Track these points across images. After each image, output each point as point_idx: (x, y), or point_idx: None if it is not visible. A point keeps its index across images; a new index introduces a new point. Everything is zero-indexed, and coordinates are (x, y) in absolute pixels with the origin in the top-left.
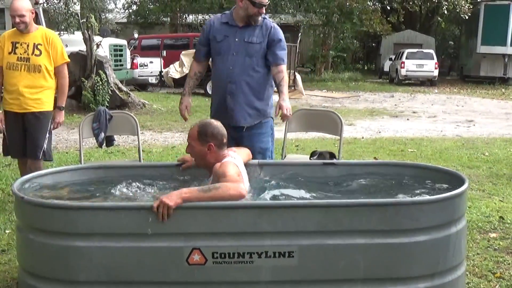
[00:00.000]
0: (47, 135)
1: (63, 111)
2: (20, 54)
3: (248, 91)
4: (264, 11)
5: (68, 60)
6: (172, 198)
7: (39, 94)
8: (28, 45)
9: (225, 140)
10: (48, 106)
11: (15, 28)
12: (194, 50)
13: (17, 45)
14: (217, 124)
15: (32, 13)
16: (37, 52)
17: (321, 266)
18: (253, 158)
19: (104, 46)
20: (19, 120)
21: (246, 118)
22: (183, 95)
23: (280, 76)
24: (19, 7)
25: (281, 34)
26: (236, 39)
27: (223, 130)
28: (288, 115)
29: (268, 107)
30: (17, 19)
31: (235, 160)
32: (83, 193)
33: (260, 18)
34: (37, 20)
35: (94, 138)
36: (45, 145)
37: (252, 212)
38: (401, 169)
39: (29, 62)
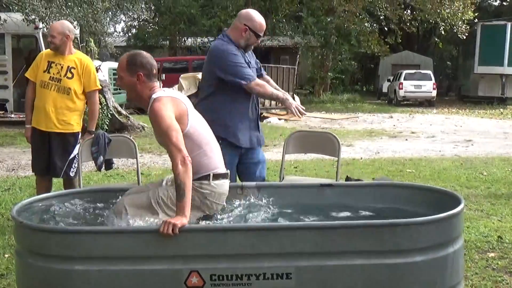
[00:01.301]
0: (71, 155)
1: (92, 135)
2: (53, 74)
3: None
4: (259, 41)
5: (100, 87)
6: (180, 219)
7: (65, 115)
8: (62, 67)
9: (154, 71)
10: (74, 128)
11: None
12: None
13: (52, 64)
14: (147, 54)
15: (67, 37)
16: (69, 75)
17: (319, 287)
18: (257, 166)
19: (103, 70)
20: (45, 138)
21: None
22: (285, 96)
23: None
24: (52, 27)
25: None
26: (250, 64)
27: (153, 61)
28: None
29: None
30: (49, 38)
31: (167, 92)
32: (82, 217)
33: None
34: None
35: (93, 161)
36: (66, 165)
37: (250, 234)
38: (398, 189)
39: (60, 83)
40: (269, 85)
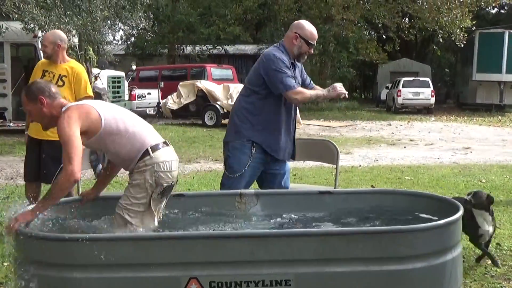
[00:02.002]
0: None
1: None
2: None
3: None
4: (312, 51)
5: (92, 94)
6: (24, 215)
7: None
8: (54, 75)
9: (53, 90)
10: None
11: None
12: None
13: (45, 73)
14: (39, 80)
15: (58, 46)
16: (60, 83)
17: None
18: (281, 180)
19: (102, 78)
20: (36, 146)
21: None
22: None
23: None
24: (44, 37)
25: None
26: (297, 78)
27: (46, 83)
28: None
29: None
30: (42, 47)
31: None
32: (81, 225)
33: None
34: (36, 53)
35: (92, 170)
36: (58, 171)
37: (249, 241)
38: (397, 196)
39: None
40: (305, 90)
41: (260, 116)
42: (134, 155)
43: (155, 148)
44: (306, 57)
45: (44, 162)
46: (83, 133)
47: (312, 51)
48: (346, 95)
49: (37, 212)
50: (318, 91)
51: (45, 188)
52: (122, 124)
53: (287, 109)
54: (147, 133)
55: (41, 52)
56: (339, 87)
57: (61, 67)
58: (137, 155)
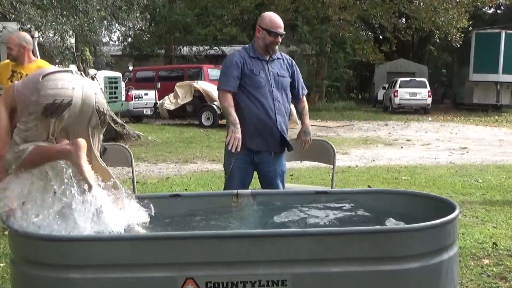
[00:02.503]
0: None
1: None
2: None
3: (286, 121)
4: (280, 40)
5: None
6: None
7: None
8: (22, 76)
9: None
10: None
11: None
12: (189, 82)
13: (14, 73)
14: None
15: (24, 48)
16: None
17: None
18: (274, 180)
19: (99, 79)
20: None
21: (289, 147)
22: (236, 124)
23: (303, 105)
24: (9, 39)
25: (296, 66)
26: (271, 73)
27: None
28: (305, 147)
29: None
30: (7, 50)
31: None
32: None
33: (277, 49)
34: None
35: None
36: None
37: (245, 241)
38: (393, 196)
39: None
40: (231, 104)
41: (237, 114)
42: None
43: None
44: (276, 48)
45: None
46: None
47: (279, 40)
48: (238, 149)
49: None
50: (231, 114)
51: None
52: None
53: (260, 104)
54: None
55: (9, 56)
56: (233, 139)
57: (28, 67)
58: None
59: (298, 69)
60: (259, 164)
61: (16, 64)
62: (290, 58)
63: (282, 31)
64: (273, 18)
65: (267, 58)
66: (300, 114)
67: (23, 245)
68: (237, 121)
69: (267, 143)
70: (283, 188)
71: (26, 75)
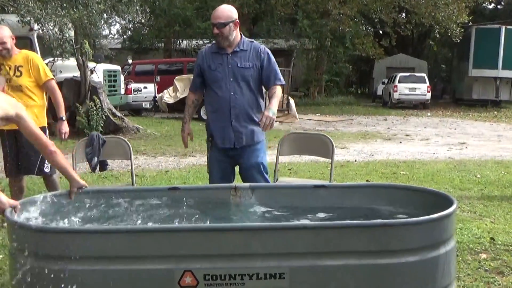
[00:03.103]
0: None
1: (65, 122)
2: (4, 75)
3: (251, 112)
4: (217, 32)
5: (52, 76)
6: None
7: (28, 111)
8: (10, 67)
9: None
10: (38, 123)
11: None
12: (188, 75)
13: (1, 67)
14: None
15: (13, 38)
16: (18, 73)
17: (312, 287)
18: (249, 172)
19: (98, 72)
20: (12, 138)
21: (249, 138)
22: (184, 123)
23: (271, 92)
24: (2, 35)
25: (271, 56)
26: (230, 66)
27: None
28: (266, 123)
29: None
30: (2, 46)
31: None
32: (76, 217)
33: (224, 40)
34: (32, 46)
35: (87, 163)
36: (39, 161)
37: (243, 234)
38: (391, 191)
39: (10, 82)
40: (188, 103)
41: (208, 107)
42: None
43: None
44: (219, 39)
45: (23, 154)
46: None
47: (215, 31)
48: (185, 146)
49: None
50: (184, 113)
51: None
52: None
53: (217, 97)
54: None
55: (2, 51)
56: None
57: (15, 58)
58: None
59: (272, 58)
60: (234, 157)
61: (1, 57)
62: (262, 48)
63: (218, 21)
64: (214, 11)
65: (229, 51)
66: (269, 97)
67: (22, 236)
68: (185, 119)
69: (229, 136)
70: (264, 180)
71: (15, 66)
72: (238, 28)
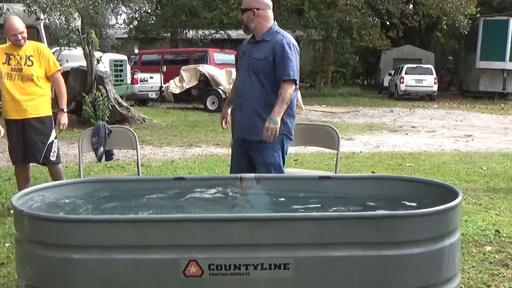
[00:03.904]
0: (49, 139)
1: (66, 113)
2: (14, 65)
3: (256, 106)
4: (241, 18)
5: (60, 67)
6: None
7: (35, 100)
8: (21, 57)
9: None
10: (45, 112)
11: (9, 43)
12: (194, 66)
13: (10, 56)
14: None
15: (26, 28)
16: (29, 63)
17: (316, 278)
18: (257, 170)
19: (104, 62)
20: (19, 127)
21: (252, 133)
22: (223, 107)
23: (279, 92)
24: (20, 25)
25: (286, 49)
26: (249, 55)
27: None
28: (268, 135)
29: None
30: (19, 36)
31: None
32: (82, 207)
33: (250, 27)
34: (38, 36)
35: (93, 152)
36: (45, 149)
37: (248, 224)
38: (396, 182)
39: (21, 72)
40: (231, 89)
41: None
42: None
43: None
44: (245, 26)
45: (30, 142)
46: None
47: (240, 17)
48: (224, 126)
49: None
50: None
51: (41, 169)
52: None
53: (235, 87)
54: None
55: (21, 41)
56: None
57: (25, 48)
58: None
59: (286, 51)
60: (247, 148)
61: (10, 46)
62: (281, 40)
63: (241, 6)
64: None
65: (255, 41)
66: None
67: (28, 225)
68: (225, 102)
69: (235, 126)
70: None
71: (26, 56)
72: (263, 18)
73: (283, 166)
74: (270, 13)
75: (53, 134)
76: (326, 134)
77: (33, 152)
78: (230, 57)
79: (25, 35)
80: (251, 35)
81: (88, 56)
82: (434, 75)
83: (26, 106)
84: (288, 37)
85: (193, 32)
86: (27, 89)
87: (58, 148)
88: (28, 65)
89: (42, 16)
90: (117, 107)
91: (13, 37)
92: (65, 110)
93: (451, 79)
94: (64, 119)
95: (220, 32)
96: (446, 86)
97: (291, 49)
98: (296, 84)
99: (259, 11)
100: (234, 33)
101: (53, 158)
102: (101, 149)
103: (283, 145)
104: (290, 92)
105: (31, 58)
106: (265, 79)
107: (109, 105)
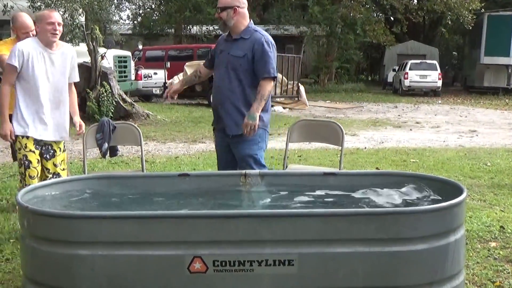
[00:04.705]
0: None
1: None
2: None
3: (236, 102)
4: (217, 15)
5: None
6: None
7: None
8: None
9: None
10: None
11: (13, 37)
12: (198, 61)
13: None
14: None
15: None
16: None
17: (321, 274)
18: (239, 164)
19: (108, 58)
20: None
21: (233, 127)
22: (179, 82)
23: (258, 89)
24: (31, 23)
25: (265, 47)
26: (226, 53)
27: None
28: (247, 130)
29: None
30: (30, 34)
31: None
32: (87, 203)
33: (225, 26)
34: None
35: (98, 148)
36: None
37: (253, 220)
38: (400, 179)
39: None
40: (192, 71)
41: None
42: None
43: None
44: (219, 24)
45: None
46: None
47: (216, 14)
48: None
49: None
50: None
51: None
52: None
53: (214, 83)
54: None
55: (34, 34)
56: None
57: None
58: None
59: (266, 49)
60: (229, 144)
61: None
62: (260, 38)
63: (218, 5)
64: None
65: (233, 38)
66: (259, 90)
67: (33, 221)
68: (183, 78)
69: (218, 121)
70: None
71: None
72: (242, 16)
73: (263, 159)
74: (247, 11)
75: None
76: (330, 130)
77: None
78: None
79: (35, 33)
80: (227, 32)
81: (92, 52)
82: (439, 70)
83: None
84: (266, 35)
85: (197, 28)
86: None
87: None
88: None
89: None
90: (121, 103)
91: (24, 35)
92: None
93: (455, 74)
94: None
95: None
96: (451, 81)
97: (270, 47)
98: (274, 81)
99: (239, 9)
100: None
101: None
102: (106, 145)
103: (263, 138)
104: (269, 89)
105: None
106: (243, 76)
107: (113, 101)
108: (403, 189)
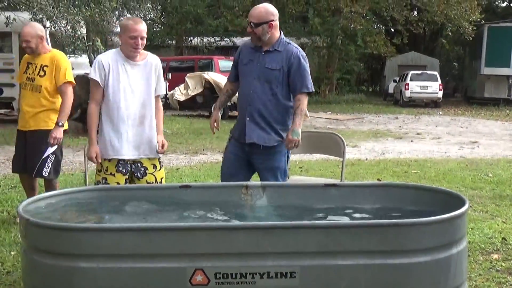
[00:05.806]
0: (43, 154)
1: (61, 128)
2: (29, 74)
3: (266, 114)
4: (250, 30)
5: (71, 80)
6: None
7: (39, 113)
8: (36, 66)
9: None
10: (46, 125)
11: None
12: (199, 73)
13: (29, 65)
14: None
15: (41, 38)
16: (41, 73)
17: (323, 287)
18: (264, 175)
19: None
20: (22, 138)
21: (260, 140)
22: (214, 109)
23: (295, 105)
24: (25, 32)
25: (302, 61)
26: (258, 64)
27: None
28: (291, 146)
29: (286, 130)
30: (24, 44)
31: None
32: (88, 215)
33: (259, 39)
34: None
35: None
36: (38, 164)
37: (254, 233)
38: (402, 190)
39: (33, 82)
40: (223, 91)
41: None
42: None
43: None
44: (254, 38)
45: (28, 154)
46: None
47: (249, 29)
48: (213, 131)
49: None
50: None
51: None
52: None
53: (242, 93)
54: None
55: (27, 49)
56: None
57: (43, 57)
58: None
59: (302, 63)
60: (250, 154)
61: (33, 56)
62: (295, 51)
63: (252, 20)
64: (252, 9)
65: (263, 50)
66: (294, 110)
67: (34, 233)
68: (215, 105)
69: (243, 133)
70: None
71: (41, 65)
72: (275, 29)
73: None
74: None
75: (50, 149)
76: (331, 142)
77: (29, 164)
78: None
79: (32, 45)
80: (250, 42)
81: None
82: (439, 81)
83: (28, 118)
84: (300, 49)
85: (198, 39)
86: (34, 101)
87: (54, 164)
88: (40, 76)
89: (47, 24)
90: None
91: (23, 44)
92: (62, 124)
93: (456, 85)
94: (56, 133)
95: (225, 39)
96: (451, 92)
97: (305, 61)
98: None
99: (274, 22)
100: (239, 40)
101: (45, 174)
102: None
103: (288, 151)
104: (306, 103)
105: (45, 68)
106: (277, 88)
107: None
108: (405, 201)
